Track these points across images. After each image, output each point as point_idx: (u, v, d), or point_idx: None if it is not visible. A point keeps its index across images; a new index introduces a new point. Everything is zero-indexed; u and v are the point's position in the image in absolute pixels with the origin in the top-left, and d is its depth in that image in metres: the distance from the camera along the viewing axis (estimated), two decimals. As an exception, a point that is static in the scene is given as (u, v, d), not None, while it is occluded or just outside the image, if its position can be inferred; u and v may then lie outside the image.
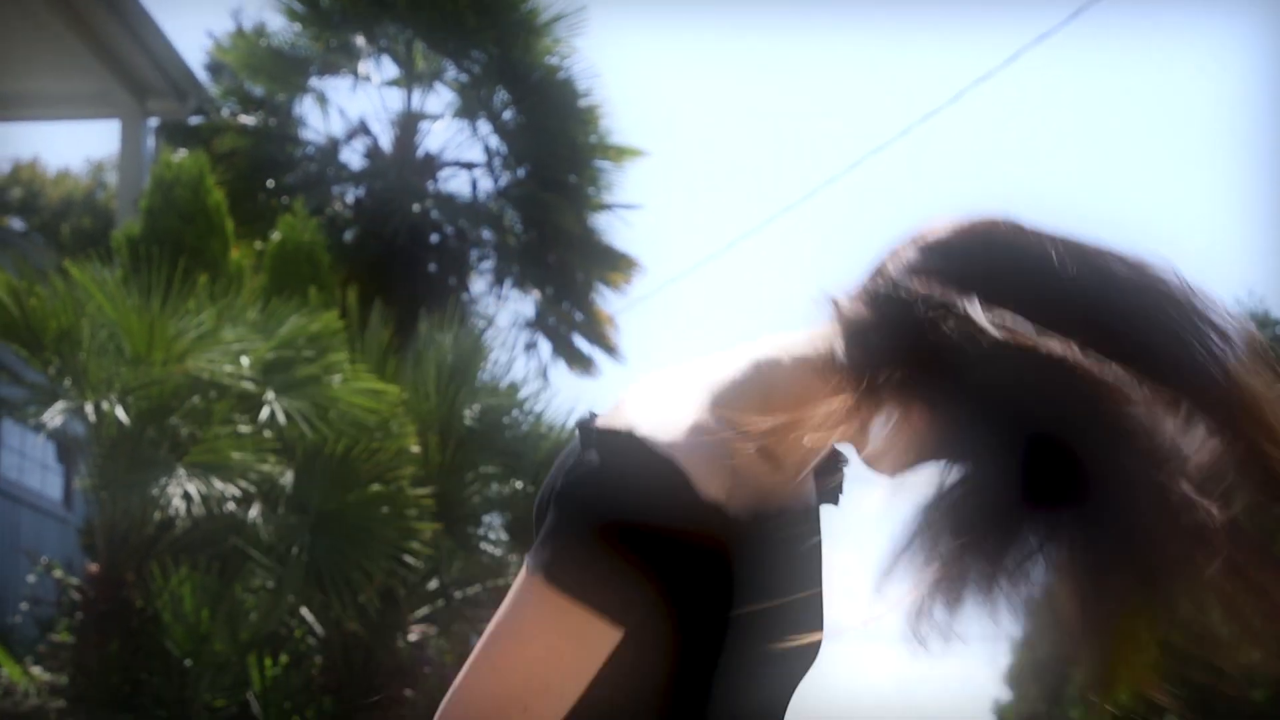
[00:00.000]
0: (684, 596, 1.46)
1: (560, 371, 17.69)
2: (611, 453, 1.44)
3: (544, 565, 1.43)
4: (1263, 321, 22.74)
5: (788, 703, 1.70)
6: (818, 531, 1.69)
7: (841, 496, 1.75)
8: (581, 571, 1.42)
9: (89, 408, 8.11)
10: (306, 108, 15.71)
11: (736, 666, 1.52)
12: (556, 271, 15.68)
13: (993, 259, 1.44)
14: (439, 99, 16.96)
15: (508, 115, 15.48)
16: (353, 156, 15.74)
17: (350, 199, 15.47)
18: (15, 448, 13.03)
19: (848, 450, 1.64)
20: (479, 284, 15.88)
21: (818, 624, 1.66)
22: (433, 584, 9.88)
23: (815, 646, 1.66)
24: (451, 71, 15.67)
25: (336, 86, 16.21)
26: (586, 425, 1.49)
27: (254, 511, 8.33)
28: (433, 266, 15.11)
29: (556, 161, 15.06)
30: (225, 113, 15.31)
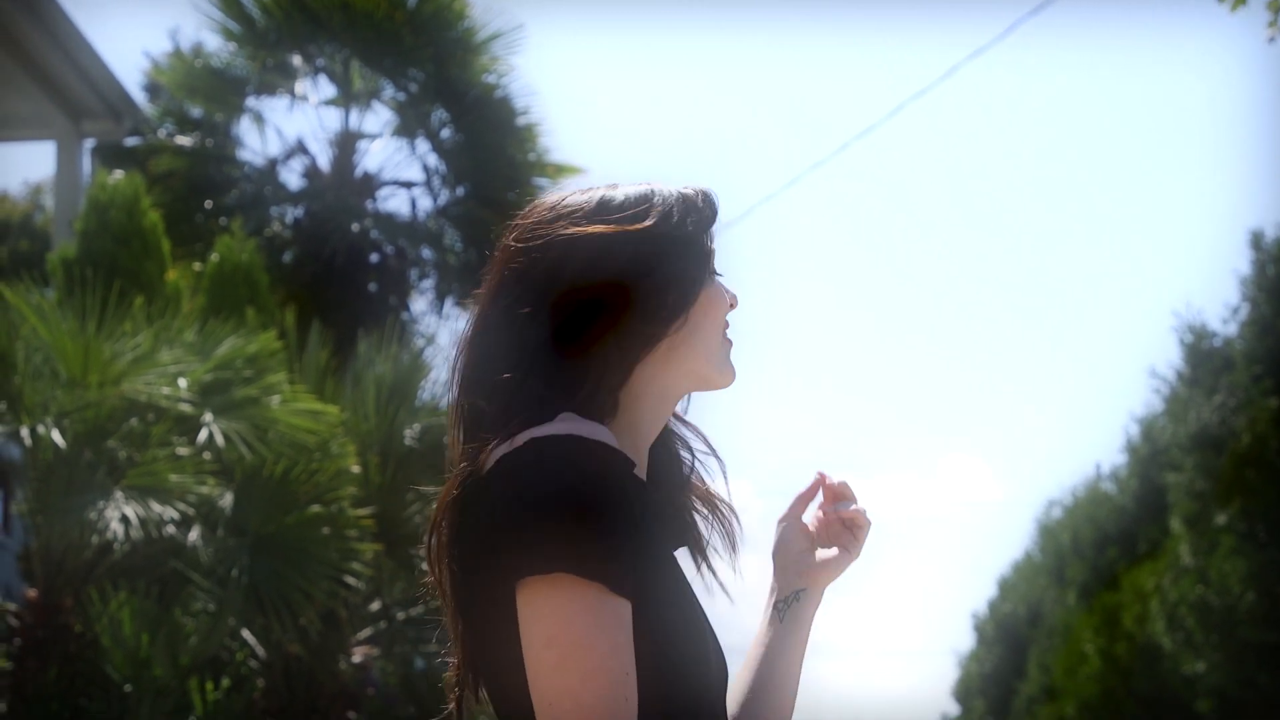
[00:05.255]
0: (646, 543, 1.70)
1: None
2: (550, 449, 1.66)
3: (560, 562, 1.62)
4: (1200, 334, 22.97)
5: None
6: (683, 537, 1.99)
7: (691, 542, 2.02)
8: (598, 552, 1.62)
9: (25, 431, 8.03)
10: (244, 128, 15.61)
11: (666, 623, 1.73)
12: (497, 290, 15.61)
13: None
14: (377, 118, 16.92)
15: (446, 134, 15.44)
16: (291, 177, 15.66)
17: (289, 219, 15.38)
18: (-50, 473, 12.89)
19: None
20: (419, 303, 15.83)
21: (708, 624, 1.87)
22: (375, 605, 9.83)
23: (715, 645, 1.87)
24: (389, 90, 15.62)
25: (274, 107, 16.17)
26: (514, 449, 1.70)
27: (193, 534, 8.27)
28: (372, 286, 15.04)
29: (495, 179, 15.02)
30: (162, 134, 15.19)
